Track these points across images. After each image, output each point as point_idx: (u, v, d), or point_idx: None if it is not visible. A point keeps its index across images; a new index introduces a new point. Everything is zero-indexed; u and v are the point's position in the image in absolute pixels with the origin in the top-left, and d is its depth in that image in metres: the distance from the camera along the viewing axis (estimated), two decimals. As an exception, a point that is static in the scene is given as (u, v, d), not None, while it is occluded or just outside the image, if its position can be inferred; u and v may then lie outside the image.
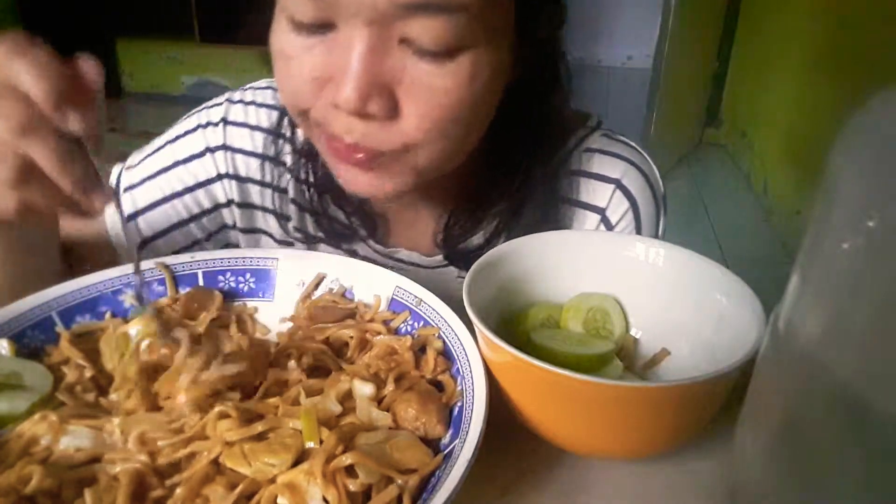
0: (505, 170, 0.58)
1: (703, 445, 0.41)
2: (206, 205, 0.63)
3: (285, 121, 0.62)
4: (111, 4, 3.75)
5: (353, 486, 0.33)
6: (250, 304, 0.51)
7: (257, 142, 0.63)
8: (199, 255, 0.52)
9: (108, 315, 0.47)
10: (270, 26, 0.46)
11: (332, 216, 0.62)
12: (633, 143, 0.64)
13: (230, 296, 0.51)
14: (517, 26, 0.46)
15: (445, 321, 0.44)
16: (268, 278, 0.52)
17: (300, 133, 0.61)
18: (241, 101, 0.64)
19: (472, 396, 0.38)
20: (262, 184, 0.64)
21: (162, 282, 0.50)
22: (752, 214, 2.77)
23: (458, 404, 0.39)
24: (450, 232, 0.61)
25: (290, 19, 0.43)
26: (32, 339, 0.44)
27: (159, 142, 0.64)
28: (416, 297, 0.47)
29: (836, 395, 0.25)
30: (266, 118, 0.63)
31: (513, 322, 0.48)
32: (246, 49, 3.38)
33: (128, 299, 0.49)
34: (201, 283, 0.51)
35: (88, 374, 0.42)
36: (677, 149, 3.26)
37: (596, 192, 0.62)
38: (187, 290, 0.50)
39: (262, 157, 0.63)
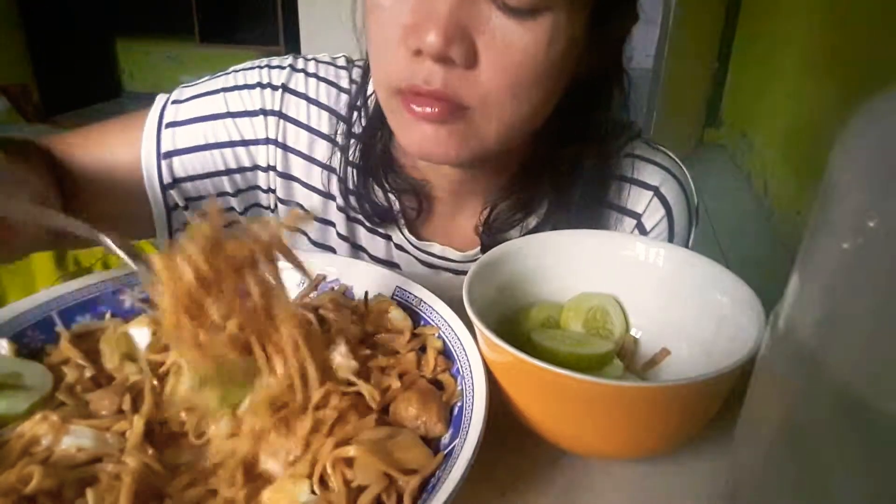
0: (554, 167, 0.59)
1: (703, 446, 0.41)
2: (245, 163, 0.63)
3: (347, 102, 0.62)
4: (111, 4, 3.74)
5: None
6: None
7: (312, 116, 0.63)
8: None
9: (108, 315, 0.47)
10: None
11: (374, 200, 0.62)
12: (672, 154, 0.66)
13: (230, 296, 0.51)
14: (595, 5, 0.48)
15: (445, 321, 0.44)
16: (268, 278, 0.52)
17: (361, 116, 0.62)
18: (303, 71, 0.63)
19: (472, 396, 0.38)
20: (309, 159, 0.63)
21: (162, 282, 0.50)
22: (752, 214, 2.77)
23: (458, 404, 0.39)
24: (491, 224, 0.61)
25: None
26: (32, 339, 0.44)
27: (213, 84, 0.62)
28: (416, 296, 0.47)
29: (836, 395, 0.25)
30: (325, 94, 0.63)
31: (513, 322, 0.48)
32: (246, 49, 3.38)
33: (128, 299, 0.49)
34: (201, 283, 0.51)
35: (88, 374, 0.41)
36: (677, 149, 3.25)
37: (634, 198, 0.63)
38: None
39: (316, 133, 0.63)
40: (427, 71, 0.46)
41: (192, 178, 0.61)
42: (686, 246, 0.65)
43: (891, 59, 1.72)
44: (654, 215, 0.63)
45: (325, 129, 0.63)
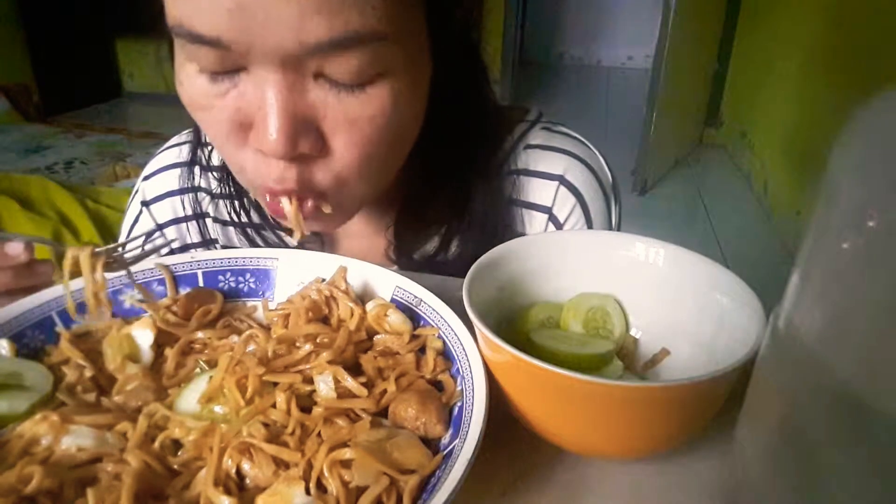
0: (441, 175, 0.57)
1: (703, 445, 0.41)
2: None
3: (198, 152, 0.64)
4: (111, 4, 3.74)
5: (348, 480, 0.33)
6: (250, 303, 0.51)
7: (211, 179, 0.64)
8: (200, 255, 0.52)
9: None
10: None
11: (275, 244, 0.62)
12: (575, 134, 0.63)
13: (230, 296, 0.51)
14: (431, 34, 0.45)
15: (445, 321, 0.44)
16: (268, 278, 0.52)
17: (215, 156, 0.63)
18: (152, 174, 0.67)
19: (472, 396, 0.38)
20: (222, 221, 0.65)
21: (162, 282, 0.50)
22: (752, 214, 2.77)
23: (458, 404, 0.39)
24: (399, 243, 0.60)
25: (198, 66, 0.41)
26: (32, 339, 0.44)
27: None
28: (415, 296, 0.47)
29: (837, 395, 0.25)
30: (176, 176, 0.65)
31: (513, 322, 0.48)
32: (246, 49, 3.37)
33: (128, 300, 0.49)
34: (201, 283, 0.51)
35: (88, 374, 0.42)
36: (677, 149, 3.26)
37: (540, 191, 0.61)
38: (187, 290, 0.50)
39: (173, 193, 0.65)
40: (277, 171, 0.43)
41: None
42: (610, 227, 0.62)
43: (891, 59, 1.72)
44: (565, 206, 0.60)
45: (185, 184, 0.65)
